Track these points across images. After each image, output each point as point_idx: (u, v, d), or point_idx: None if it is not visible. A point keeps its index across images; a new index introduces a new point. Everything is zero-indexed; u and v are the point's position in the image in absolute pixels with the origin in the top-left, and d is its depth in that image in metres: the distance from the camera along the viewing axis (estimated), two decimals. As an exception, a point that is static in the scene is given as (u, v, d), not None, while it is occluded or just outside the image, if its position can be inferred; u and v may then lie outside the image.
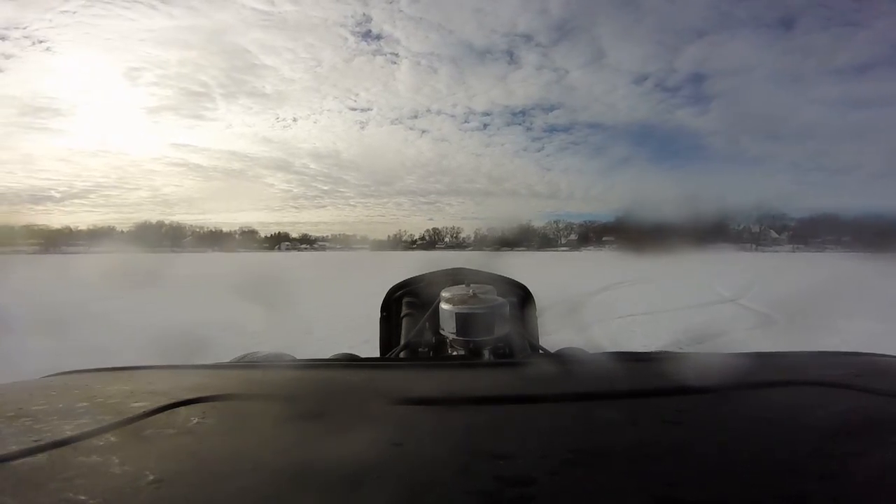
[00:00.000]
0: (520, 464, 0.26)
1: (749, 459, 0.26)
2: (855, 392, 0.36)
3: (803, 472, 0.25)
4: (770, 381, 0.40)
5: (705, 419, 0.33)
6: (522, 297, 0.90)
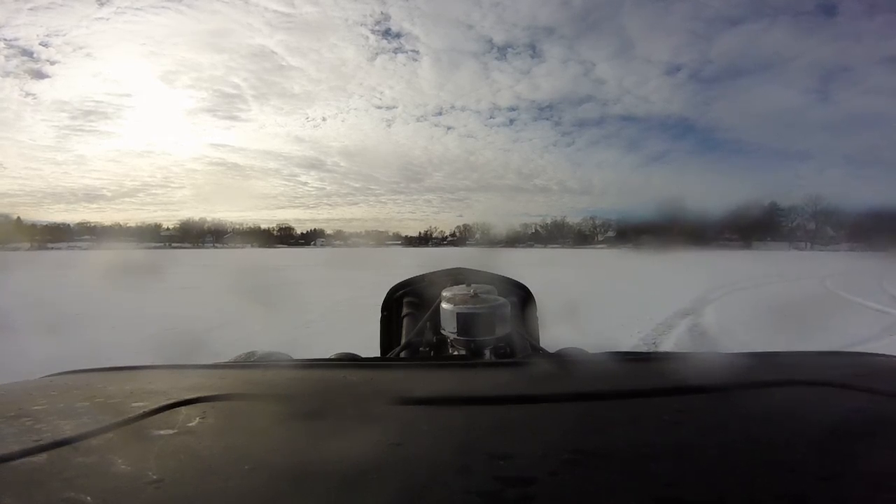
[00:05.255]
0: (520, 464, 0.25)
1: (749, 459, 0.26)
2: (855, 392, 0.36)
3: (803, 472, 0.25)
4: (770, 381, 0.40)
5: (705, 419, 0.33)
6: (523, 298, 0.90)
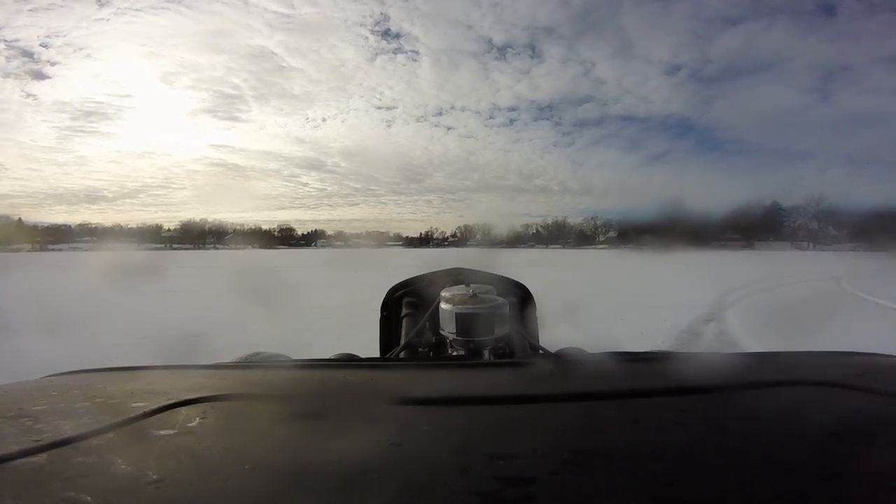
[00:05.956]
0: (520, 464, 0.25)
1: (749, 459, 0.26)
2: (856, 392, 0.36)
3: (803, 472, 0.25)
4: (770, 381, 0.40)
5: (705, 419, 0.33)
6: (522, 297, 0.89)
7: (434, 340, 0.78)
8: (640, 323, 4.91)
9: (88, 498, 0.22)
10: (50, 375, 0.48)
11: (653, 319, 5.07)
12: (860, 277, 9.81)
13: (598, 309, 5.56)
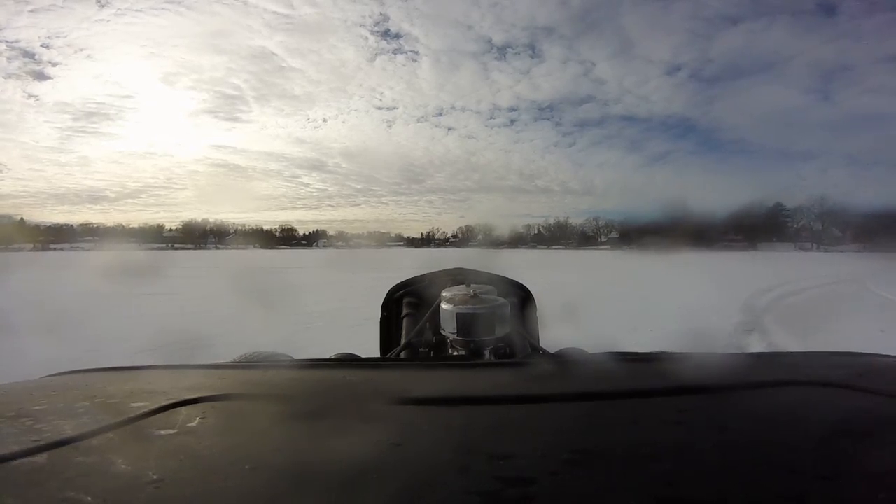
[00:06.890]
0: (520, 464, 0.26)
1: (749, 459, 0.26)
2: (856, 392, 0.36)
3: (803, 472, 0.25)
4: (770, 381, 0.40)
5: (705, 419, 0.33)
6: (523, 298, 0.90)
7: (434, 340, 0.78)
8: (673, 334, 4.12)
9: (88, 498, 0.22)
10: (50, 375, 0.48)
11: (686, 329, 4.33)
12: (878, 278, 9.48)
13: (619, 318, 5.05)
